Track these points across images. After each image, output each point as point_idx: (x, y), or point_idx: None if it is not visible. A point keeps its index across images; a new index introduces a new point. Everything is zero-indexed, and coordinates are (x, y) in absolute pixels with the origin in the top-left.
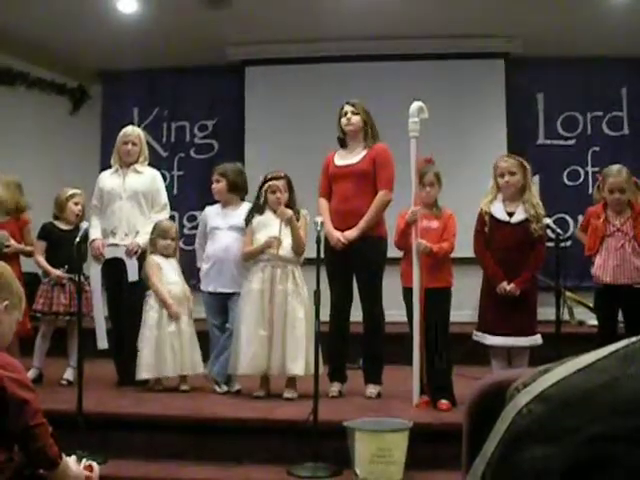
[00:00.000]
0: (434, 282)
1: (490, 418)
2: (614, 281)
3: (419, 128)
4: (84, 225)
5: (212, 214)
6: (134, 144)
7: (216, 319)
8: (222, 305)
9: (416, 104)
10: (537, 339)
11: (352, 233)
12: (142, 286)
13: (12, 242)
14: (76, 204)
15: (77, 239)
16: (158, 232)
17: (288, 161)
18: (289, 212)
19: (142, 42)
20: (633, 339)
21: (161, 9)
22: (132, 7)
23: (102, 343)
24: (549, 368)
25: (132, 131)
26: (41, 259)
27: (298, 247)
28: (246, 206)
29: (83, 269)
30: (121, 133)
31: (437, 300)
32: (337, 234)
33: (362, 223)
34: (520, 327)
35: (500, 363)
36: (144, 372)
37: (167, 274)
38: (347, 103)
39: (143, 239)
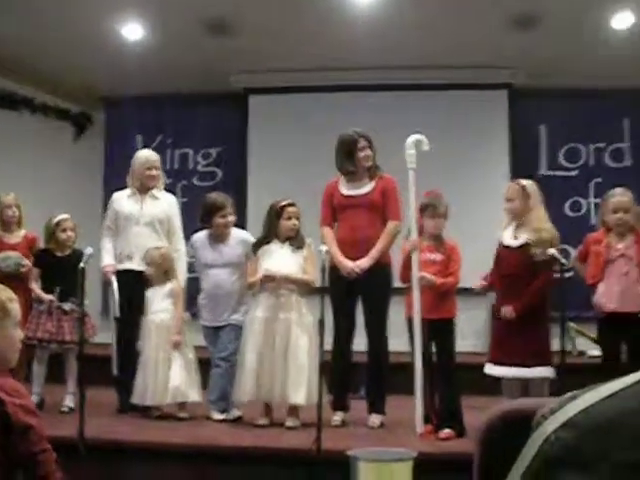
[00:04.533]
0: (438, 313)
1: (501, 447)
2: (619, 308)
3: (416, 160)
4: (87, 251)
5: (202, 247)
6: (157, 169)
7: (211, 349)
8: (217, 336)
9: (413, 137)
10: (542, 372)
11: (366, 262)
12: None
13: (26, 262)
14: (64, 231)
15: (81, 264)
16: (146, 261)
17: (291, 189)
18: (277, 274)
19: (146, 69)
20: None
21: (166, 36)
22: (137, 34)
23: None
24: (576, 395)
25: (155, 157)
26: (34, 285)
27: (306, 287)
28: (236, 236)
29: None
30: (142, 158)
31: (441, 331)
32: (351, 264)
33: (375, 252)
34: (526, 358)
35: (510, 394)
36: (134, 397)
37: (153, 304)
38: (361, 137)
39: (180, 280)
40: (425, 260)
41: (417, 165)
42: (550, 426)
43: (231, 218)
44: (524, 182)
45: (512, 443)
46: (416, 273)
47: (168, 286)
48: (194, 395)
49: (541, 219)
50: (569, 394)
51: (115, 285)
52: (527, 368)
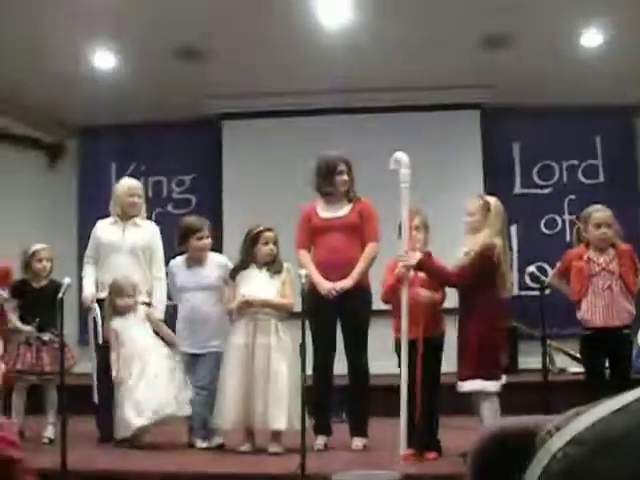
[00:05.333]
0: (430, 331)
1: (494, 468)
2: (605, 324)
3: (410, 179)
4: (66, 281)
5: (179, 271)
6: (139, 196)
7: (191, 377)
8: (196, 364)
9: (404, 155)
10: (475, 385)
11: (346, 283)
12: None
13: (3, 294)
14: (40, 261)
15: (60, 294)
16: (114, 291)
17: (266, 215)
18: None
19: (119, 97)
20: None
21: (138, 64)
22: (109, 63)
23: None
24: (580, 411)
25: (137, 184)
26: (12, 317)
27: (285, 311)
28: (213, 260)
29: (57, 325)
30: (124, 186)
31: (432, 348)
32: (329, 284)
33: (355, 274)
34: (468, 371)
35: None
36: (119, 432)
37: (129, 333)
38: (342, 161)
39: (160, 310)
40: (411, 277)
41: (391, 185)
42: (556, 443)
43: (208, 241)
44: (488, 198)
45: (506, 463)
46: (405, 294)
47: (140, 312)
48: (170, 409)
49: (488, 235)
50: (573, 410)
51: (98, 311)
52: (465, 382)
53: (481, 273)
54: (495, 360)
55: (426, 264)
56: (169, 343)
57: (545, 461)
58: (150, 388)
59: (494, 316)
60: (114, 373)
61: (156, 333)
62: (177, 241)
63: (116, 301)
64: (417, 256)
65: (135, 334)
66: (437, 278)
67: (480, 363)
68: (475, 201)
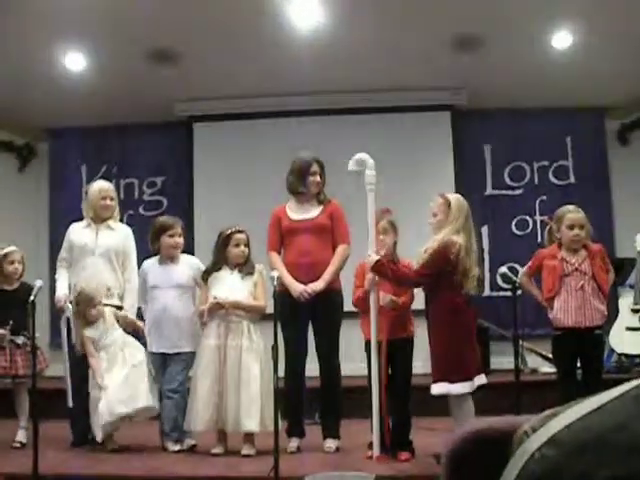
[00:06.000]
0: (397, 333)
1: (471, 468)
2: (576, 324)
3: (374, 180)
4: (38, 284)
5: (151, 270)
6: (112, 199)
7: (160, 379)
8: (165, 365)
9: (367, 157)
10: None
11: (318, 285)
12: None
13: None
14: (11, 263)
15: (31, 297)
16: (84, 301)
17: (237, 217)
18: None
19: (90, 99)
20: None
21: (109, 66)
22: (80, 64)
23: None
24: (557, 412)
25: (109, 186)
26: None
27: (257, 313)
28: (185, 260)
29: (29, 328)
30: (96, 188)
31: (401, 350)
32: (301, 286)
33: (327, 276)
34: (437, 374)
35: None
36: (99, 429)
37: (105, 338)
38: (315, 162)
39: (132, 312)
40: (380, 280)
41: (361, 188)
42: (534, 444)
43: (180, 239)
44: (449, 195)
45: (482, 464)
46: (373, 297)
47: (111, 315)
48: (143, 401)
49: (449, 233)
50: (549, 411)
51: (71, 313)
52: (435, 384)
53: (439, 271)
54: (461, 361)
55: (376, 267)
56: (139, 339)
57: (522, 462)
58: (129, 381)
59: (457, 316)
60: (98, 380)
61: (127, 332)
62: (150, 240)
63: (87, 311)
64: (374, 259)
65: (110, 337)
66: (393, 281)
67: (446, 365)
68: (437, 200)
